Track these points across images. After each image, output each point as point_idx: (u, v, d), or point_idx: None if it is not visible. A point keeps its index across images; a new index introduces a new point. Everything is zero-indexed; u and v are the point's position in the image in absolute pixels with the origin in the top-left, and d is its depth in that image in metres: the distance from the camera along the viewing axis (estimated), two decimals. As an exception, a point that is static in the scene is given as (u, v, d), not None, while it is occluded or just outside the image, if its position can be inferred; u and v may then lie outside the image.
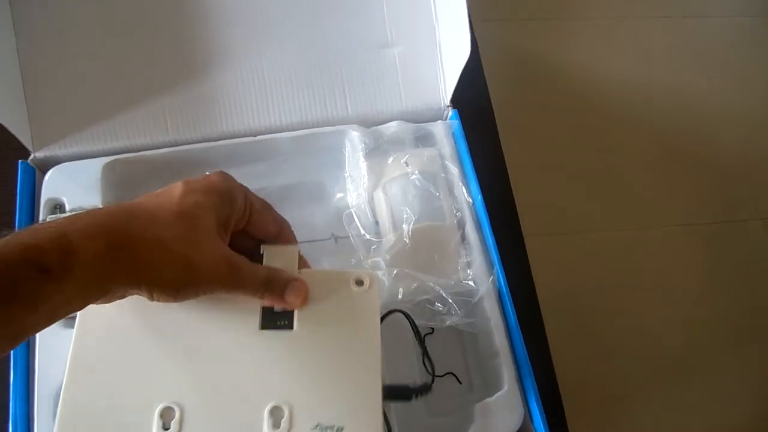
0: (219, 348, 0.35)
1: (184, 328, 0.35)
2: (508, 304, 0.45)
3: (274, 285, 0.34)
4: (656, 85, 1.25)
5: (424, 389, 0.40)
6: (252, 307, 0.36)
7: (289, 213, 0.52)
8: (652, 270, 1.09)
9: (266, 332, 0.35)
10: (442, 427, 0.45)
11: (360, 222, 0.50)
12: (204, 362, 0.34)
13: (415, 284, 0.44)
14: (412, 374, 0.47)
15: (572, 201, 1.12)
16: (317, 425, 0.32)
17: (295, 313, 0.35)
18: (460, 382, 0.48)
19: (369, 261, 0.47)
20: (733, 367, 1.03)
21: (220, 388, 0.33)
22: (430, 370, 0.43)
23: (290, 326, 0.35)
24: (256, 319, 0.36)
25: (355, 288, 0.36)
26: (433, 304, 0.44)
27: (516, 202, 0.59)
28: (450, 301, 0.43)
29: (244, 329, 0.35)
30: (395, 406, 0.44)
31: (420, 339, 0.42)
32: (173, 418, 0.32)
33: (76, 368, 0.34)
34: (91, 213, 0.28)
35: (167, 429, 0.32)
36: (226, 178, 0.34)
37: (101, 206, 0.29)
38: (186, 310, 0.36)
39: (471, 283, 0.45)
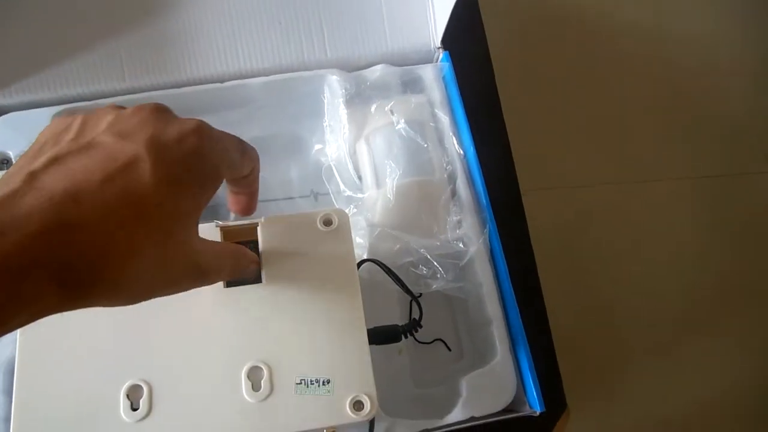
0: (183, 313, 0.32)
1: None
2: (502, 267, 0.41)
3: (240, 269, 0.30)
4: (665, 33, 1.18)
5: (413, 326, 0.37)
6: None
7: (262, 168, 0.48)
8: (655, 225, 1.05)
9: (232, 289, 0.32)
10: (430, 399, 0.42)
11: (340, 177, 0.45)
12: (169, 331, 0.31)
13: (398, 245, 0.40)
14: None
15: (573, 152, 1.07)
16: (301, 381, 0.30)
17: (263, 264, 0.33)
18: (450, 349, 0.45)
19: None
20: (735, 326, 1.00)
21: (189, 357, 0.31)
22: (417, 308, 0.38)
23: (258, 279, 0.32)
24: None
25: (323, 228, 0.34)
26: (417, 267, 0.39)
27: (513, 154, 0.54)
28: (435, 263, 0.39)
29: (208, 290, 0.32)
30: (377, 376, 0.41)
31: (401, 283, 0.38)
32: (141, 396, 0.30)
33: (25, 355, 0.31)
34: (15, 223, 0.19)
35: (136, 409, 0.30)
36: (205, 133, 0.24)
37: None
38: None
39: (460, 244, 0.40)
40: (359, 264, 0.38)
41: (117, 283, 0.21)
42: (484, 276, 0.41)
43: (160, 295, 0.24)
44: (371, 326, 0.34)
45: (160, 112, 0.24)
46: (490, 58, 0.58)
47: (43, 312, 0.20)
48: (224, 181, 0.29)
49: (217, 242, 0.30)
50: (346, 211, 0.43)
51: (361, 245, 0.41)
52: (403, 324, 0.37)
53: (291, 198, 0.47)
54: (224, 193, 0.46)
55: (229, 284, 0.33)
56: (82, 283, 0.20)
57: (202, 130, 0.24)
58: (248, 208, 0.32)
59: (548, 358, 0.48)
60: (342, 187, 0.45)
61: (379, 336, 0.36)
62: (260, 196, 0.48)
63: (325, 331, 0.32)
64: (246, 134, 0.47)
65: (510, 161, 0.53)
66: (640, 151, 1.10)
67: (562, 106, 1.09)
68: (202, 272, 0.26)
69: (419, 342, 0.44)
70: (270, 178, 0.48)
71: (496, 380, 0.39)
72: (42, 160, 0.21)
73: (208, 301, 0.33)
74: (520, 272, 0.43)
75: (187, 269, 0.25)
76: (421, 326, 0.37)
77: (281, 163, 0.48)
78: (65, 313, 0.30)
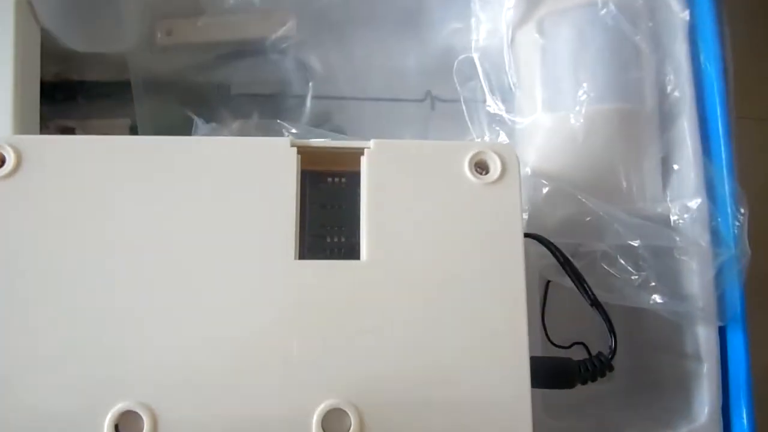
0: (222, 300, 0.19)
1: (158, 256, 0.19)
2: (737, 290, 0.25)
3: None
4: None
5: (600, 367, 0.22)
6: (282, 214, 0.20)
7: (361, 47, 0.31)
8: None
9: (310, 263, 0.20)
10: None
11: (486, 80, 0.28)
12: (193, 328, 0.19)
13: (588, 218, 0.24)
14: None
15: None
16: None
17: (364, 227, 0.20)
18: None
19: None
20: None
21: (226, 377, 0.19)
22: (609, 337, 0.23)
23: (355, 253, 0.20)
24: (291, 239, 0.20)
25: (472, 177, 0.20)
26: (613, 261, 0.23)
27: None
28: (647, 257, 0.23)
29: (271, 260, 0.20)
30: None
31: (585, 289, 0.22)
32: (141, 429, 0.18)
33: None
34: None
35: None
36: None
37: None
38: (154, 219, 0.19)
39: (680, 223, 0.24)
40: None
41: None
42: (703, 290, 0.25)
43: None
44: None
45: None
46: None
47: None
48: None
49: None
50: (489, 135, 0.27)
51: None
52: (586, 359, 0.22)
53: (396, 100, 0.31)
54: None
55: (303, 255, 0.18)
56: None
57: None
58: None
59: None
60: (487, 96, 0.28)
61: (543, 374, 0.21)
62: (346, 92, 0.32)
63: (462, 356, 0.19)
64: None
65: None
66: None
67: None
68: None
69: (554, 345, 0.30)
70: (369, 62, 0.31)
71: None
72: None
73: (266, 283, 0.18)
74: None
75: None
76: (612, 368, 0.22)
77: (390, 42, 0.31)
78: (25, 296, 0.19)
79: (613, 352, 0.22)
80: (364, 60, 0.31)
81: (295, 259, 0.19)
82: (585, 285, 0.23)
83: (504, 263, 0.20)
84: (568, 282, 0.24)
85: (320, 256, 0.20)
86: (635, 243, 0.23)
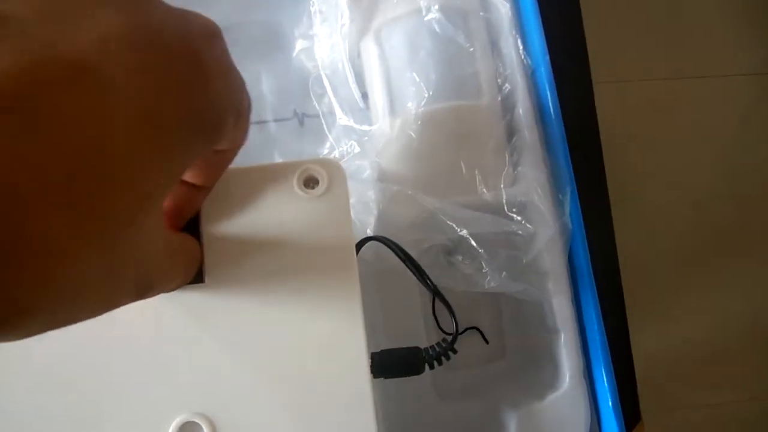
0: (73, 331, 0.19)
1: None
2: (582, 255, 0.26)
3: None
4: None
5: (441, 351, 0.24)
6: None
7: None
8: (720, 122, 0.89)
9: None
10: (461, 422, 0.30)
11: (335, 94, 0.30)
12: (48, 357, 0.20)
13: (424, 215, 0.25)
14: (416, 340, 0.30)
15: (639, 46, 0.89)
16: None
17: (205, 252, 0.21)
18: (487, 342, 0.32)
19: (346, 164, 0.28)
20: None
21: (77, 403, 0.20)
22: (452, 321, 0.25)
23: (198, 277, 0.21)
24: None
25: (302, 192, 0.22)
26: (452, 253, 0.25)
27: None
28: (480, 251, 0.25)
29: None
30: (381, 385, 0.28)
31: (425, 281, 0.24)
32: None
33: None
34: None
35: None
36: (223, 43, 0.14)
37: None
38: None
39: (519, 218, 0.26)
40: (361, 243, 0.24)
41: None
42: (553, 265, 0.27)
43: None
44: (378, 345, 0.23)
45: None
46: None
47: None
48: None
49: (168, 232, 0.19)
50: (344, 150, 0.29)
51: (364, 207, 0.26)
52: (430, 346, 0.24)
53: (263, 122, 0.32)
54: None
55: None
56: None
57: (220, 36, 0.14)
58: (189, 209, 0.20)
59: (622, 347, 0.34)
60: (337, 110, 0.29)
61: (390, 365, 0.23)
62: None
63: (301, 362, 0.21)
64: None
65: (585, 62, 0.36)
66: (708, 46, 0.92)
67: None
68: (147, 285, 0.15)
69: (445, 333, 0.31)
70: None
71: (561, 419, 0.26)
72: None
73: (115, 315, 0.20)
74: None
75: (133, 282, 0.14)
76: (455, 351, 0.24)
77: (251, 66, 0.32)
78: None
79: (455, 336, 0.24)
80: (227, 88, 0.32)
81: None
82: (426, 278, 0.24)
83: (339, 270, 0.22)
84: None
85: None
86: (471, 240, 0.25)
